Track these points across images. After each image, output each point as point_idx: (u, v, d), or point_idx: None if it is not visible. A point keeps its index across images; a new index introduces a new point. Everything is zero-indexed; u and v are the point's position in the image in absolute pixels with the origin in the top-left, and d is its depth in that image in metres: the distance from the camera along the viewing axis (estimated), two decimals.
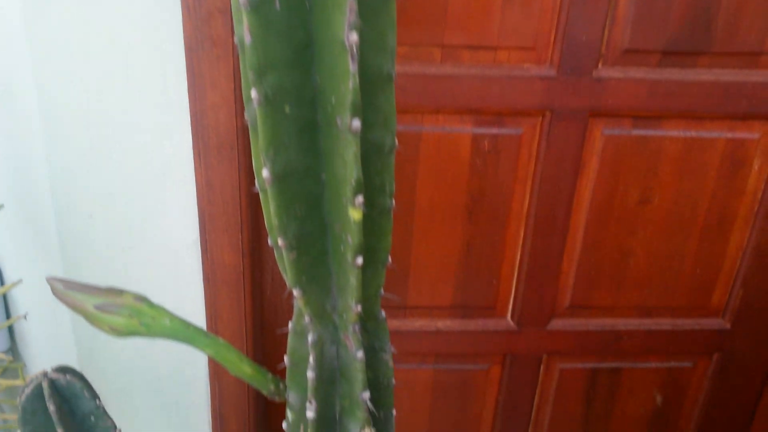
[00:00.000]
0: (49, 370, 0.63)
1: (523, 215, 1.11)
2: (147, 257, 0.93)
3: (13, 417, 0.83)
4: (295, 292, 0.39)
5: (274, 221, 0.36)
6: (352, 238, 0.37)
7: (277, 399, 0.47)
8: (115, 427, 0.66)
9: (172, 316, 0.44)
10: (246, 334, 0.99)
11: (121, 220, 0.91)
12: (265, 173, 0.35)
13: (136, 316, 0.43)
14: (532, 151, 1.06)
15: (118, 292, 0.44)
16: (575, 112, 1.03)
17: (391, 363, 0.47)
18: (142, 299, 0.45)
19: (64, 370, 0.64)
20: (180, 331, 0.44)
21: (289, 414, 0.49)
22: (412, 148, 1.05)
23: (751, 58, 1.02)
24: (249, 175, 0.90)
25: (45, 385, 0.61)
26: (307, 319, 0.41)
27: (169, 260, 0.94)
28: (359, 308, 0.40)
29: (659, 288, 1.19)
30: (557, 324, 1.21)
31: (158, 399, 1.04)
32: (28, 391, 0.61)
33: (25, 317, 0.90)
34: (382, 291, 0.43)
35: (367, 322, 0.44)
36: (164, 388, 1.03)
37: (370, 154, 0.38)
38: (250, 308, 0.98)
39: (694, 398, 1.31)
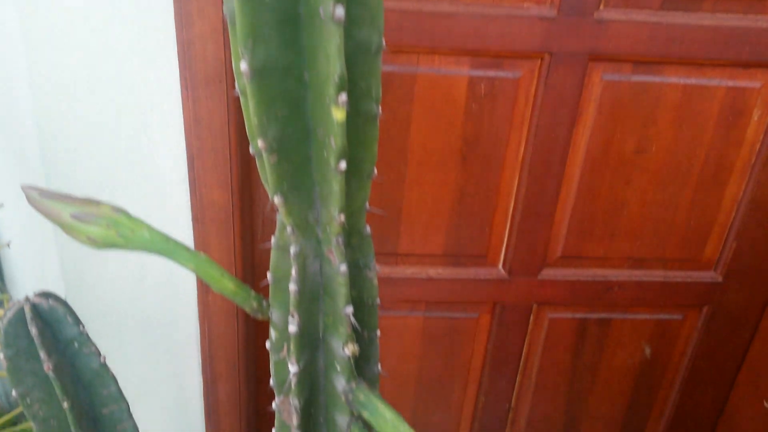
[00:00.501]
0: (31, 294, 0.62)
1: (517, 162, 1.10)
2: (134, 195, 0.91)
3: None
4: (276, 200, 0.38)
5: (254, 120, 0.35)
6: (335, 141, 0.35)
7: (260, 317, 0.47)
8: (99, 353, 0.66)
9: (152, 229, 0.43)
10: (236, 273, 0.98)
11: (107, 155, 0.89)
12: (243, 66, 0.33)
13: (113, 226, 0.42)
14: (530, 95, 1.04)
15: (96, 203, 0.43)
16: (575, 55, 1.00)
17: (375, 281, 0.46)
18: (121, 211, 0.43)
19: (46, 295, 0.63)
20: (159, 244, 0.43)
21: (272, 333, 0.48)
22: (406, 90, 1.03)
23: (756, 2, 0.99)
24: (238, 111, 0.88)
25: (27, 309, 0.61)
26: (289, 230, 0.40)
27: (157, 199, 0.93)
28: (342, 218, 0.39)
29: (652, 239, 1.18)
30: (548, 273, 1.21)
31: (147, 338, 1.04)
32: (9, 314, 0.61)
33: (8, 245, 0.89)
34: (367, 205, 0.42)
35: (352, 238, 0.43)
36: (153, 327, 1.03)
37: (356, 54, 0.37)
38: (240, 248, 0.97)
39: (683, 350, 1.32)
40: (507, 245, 1.18)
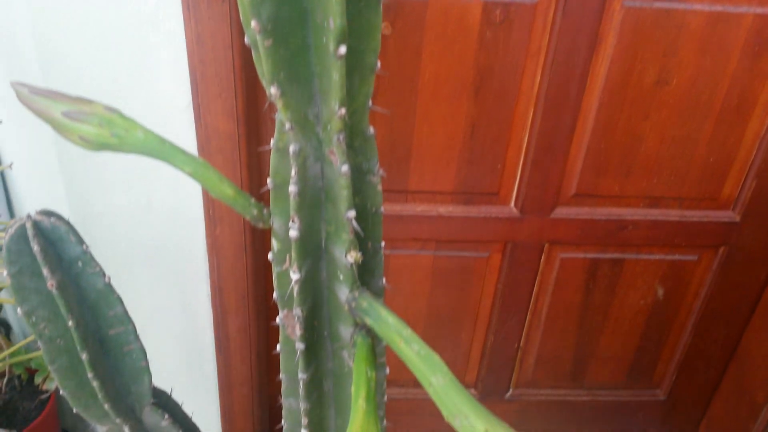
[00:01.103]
0: (32, 212, 0.61)
1: (533, 94, 1.06)
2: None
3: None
4: (273, 91, 0.36)
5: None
6: (333, 21, 0.33)
7: (261, 225, 0.45)
8: (104, 273, 0.65)
9: (146, 130, 0.42)
10: None
11: (109, 77, 0.87)
12: None
13: (107, 126, 0.41)
14: (547, 22, 1.00)
15: (88, 101, 0.41)
16: None
17: (379, 187, 0.44)
18: (114, 110, 0.42)
19: (48, 213, 0.62)
20: (154, 145, 0.42)
21: (274, 243, 0.47)
22: (417, 16, 0.98)
23: None
24: (241, 32, 0.85)
25: (29, 225, 0.60)
26: (287, 126, 0.38)
27: (162, 127, 0.91)
28: (343, 112, 0.37)
29: (669, 176, 1.15)
30: (561, 212, 1.19)
31: (156, 270, 1.04)
32: (11, 231, 0.60)
33: (10, 166, 0.88)
34: (370, 103, 0.40)
35: (354, 139, 0.41)
36: (162, 258, 1.03)
37: None
38: (247, 178, 0.95)
39: (696, 292, 1.31)
40: (519, 182, 1.15)
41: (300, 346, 0.49)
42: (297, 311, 0.47)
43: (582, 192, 1.17)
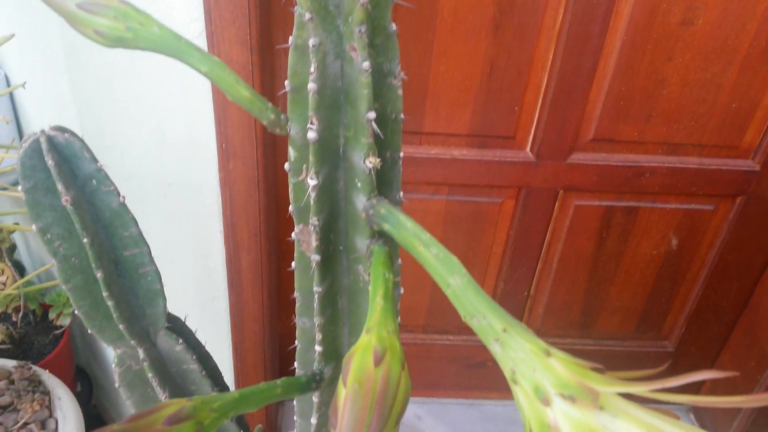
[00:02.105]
0: (46, 128, 0.61)
1: (554, 33, 1.03)
2: (149, 53, 0.88)
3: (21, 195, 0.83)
4: None
5: None
6: None
7: (278, 131, 0.44)
8: (119, 193, 0.65)
9: (162, 25, 0.40)
10: (256, 140, 0.96)
11: None
12: None
13: (122, 18, 0.39)
14: None
15: None
16: None
17: (400, 92, 0.43)
18: (128, 3, 0.40)
19: (62, 129, 0.62)
20: (170, 41, 0.40)
21: (291, 152, 0.46)
22: None
23: None
24: None
25: (42, 140, 0.59)
26: (307, 16, 0.37)
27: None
28: (365, 1, 0.35)
29: (690, 122, 1.13)
30: (578, 157, 1.17)
31: (170, 207, 1.04)
32: (25, 146, 0.59)
33: (23, 85, 0.87)
34: None
35: (376, 36, 0.40)
36: (176, 195, 1.03)
37: None
38: None
39: (711, 242, 1.29)
40: (537, 126, 1.13)
41: (315, 257, 0.49)
42: (313, 220, 0.46)
43: (600, 137, 1.14)
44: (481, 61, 1.06)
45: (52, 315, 1.31)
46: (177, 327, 0.79)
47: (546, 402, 0.34)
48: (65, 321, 1.30)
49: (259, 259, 1.09)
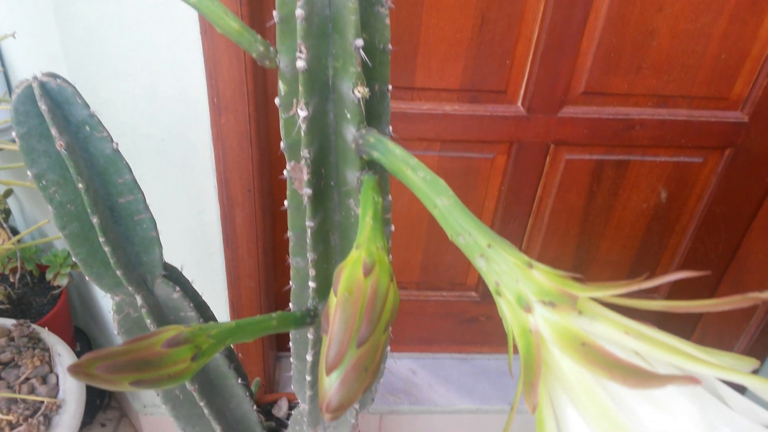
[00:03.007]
0: (38, 73, 0.61)
1: None
2: None
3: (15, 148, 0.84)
4: None
5: None
6: None
7: (267, 64, 0.45)
8: (112, 139, 0.66)
9: None
10: (248, 94, 0.96)
11: None
12: None
13: None
14: None
15: None
16: None
17: (387, 21, 0.44)
18: None
19: (54, 75, 0.62)
20: None
21: (281, 86, 0.47)
22: None
23: None
24: None
25: (35, 85, 0.60)
26: None
27: (163, 5, 0.89)
28: None
29: (679, 74, 1.13)
30: (569, 111, 1.18)
31: (163, 163, 1.05)
32: (18, 92, 0.60)
33: (13, 35, 0.87)
34: None
35: None
36: (168, 152, 1.03)
37: None
38: (251, 60, 0.94)
39: (699, 195, 1.31)
40: (528, 79, 1.14)
41: (307, 191, 0.50)
42: (304, 153, 0.47)
43: (591, 90, 1.15)
44: (472, 14, 1.06)
45: (49, 275, 1.32)
46: (174, 275, 0.81)
47: (528, 309, 0.36)
48: (62, 281, 1.32)
49: (253, 214, 1.10)
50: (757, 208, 1.31)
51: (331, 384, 0.31)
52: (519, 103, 1.17)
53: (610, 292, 0.35)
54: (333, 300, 0.34)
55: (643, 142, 1.21)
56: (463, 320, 1.54)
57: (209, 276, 1.20)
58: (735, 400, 0.34)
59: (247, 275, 1.18)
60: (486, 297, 1.49)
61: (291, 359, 0.75)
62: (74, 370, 0.38)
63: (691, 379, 0.27)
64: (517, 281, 0.37)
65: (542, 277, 0.37)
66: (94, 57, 0.92)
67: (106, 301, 1.32)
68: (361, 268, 0.35)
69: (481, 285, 1.47)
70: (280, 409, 1.21)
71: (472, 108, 1.17)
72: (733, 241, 1.36)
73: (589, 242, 1.39)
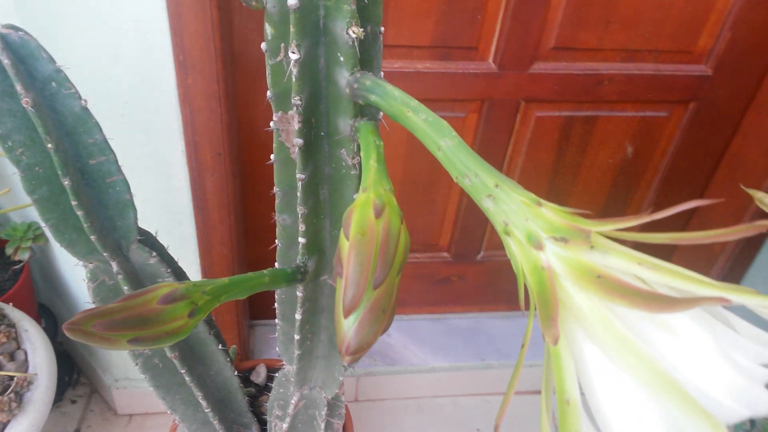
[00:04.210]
0: None
1: None
2: None
3: None
4: None
5: None
6: None
7: (253, 5, 0.43)
8: (80, 96, 0.62)
9: None
10: (215, 52, 0.92)
11: None
12: None
13: None
14: None
15: None
16: None
17: None
18: None
19: (14, 27, 0.58)
20: None
21: (267, 29, 0.45)
22: None
23: None
24: None
25: None
26: None
27: None
28: None
29: (646, 28, 1.14)
30: (539, 67, 1.18)
31: (127, 127, 1.00)
32: None
33: None
34: None
35: None
36: (133, 115, 0.99)
37: None
38: (218, 16, 0.90)
39: (664, 149, 1.34)
40: (499, 35, 1.13)
41: (298, 141, 0.48)
42: (295, 100, 0.45)
43: (561, 45, 1.15)
44: None
45: (9, 250, 1.27)
46: (149, 241, 0.78)
47: (539, 246, 0.35)
48: (24, 255, 1.27)
49: (224, 179, 1.07)
50: (717, 162, 1.35)
51: (349, 327, 0.31)
52: (490, 60, 1.17)
53: (620, 225, 0.35)
54: (345, 243, 0.33)
55: (611, 97, 1.23)
56: (436, 281, 1.55)
57: (180, 244, 1.17)
58: (742, 326, 0.34)
59: (219, 242, 1.15)
60: (458, 257, 1.50)
61: (276, 321, 0.74)
62: (70, 328, 0.36)
63: (720, 299, 0.27)
64: (526, 219, 0.36)
65: (552, 214, 0.36)
66: (50, 13, 0.87)
67: (72, 276, 1.27)
68: (371, 209, 0.34)
69: (453, 246, 1.48)
70: (259, 376, 1.20)
71: (444, 65, 1.16)
72: (695, 195, 1.40)
73: (558, 200, 1.41)
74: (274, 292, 1.50)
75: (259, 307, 1.51)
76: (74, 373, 1.45)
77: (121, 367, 1.35)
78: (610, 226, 0.35)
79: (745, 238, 1.27)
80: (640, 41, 1.16)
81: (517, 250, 0.37)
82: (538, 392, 1.60)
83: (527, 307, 0.39)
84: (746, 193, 1.23)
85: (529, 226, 0.36)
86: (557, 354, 0.34)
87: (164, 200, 1.10)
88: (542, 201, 0.38)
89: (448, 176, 1.27)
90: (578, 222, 0.36)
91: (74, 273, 1.27)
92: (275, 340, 1.55)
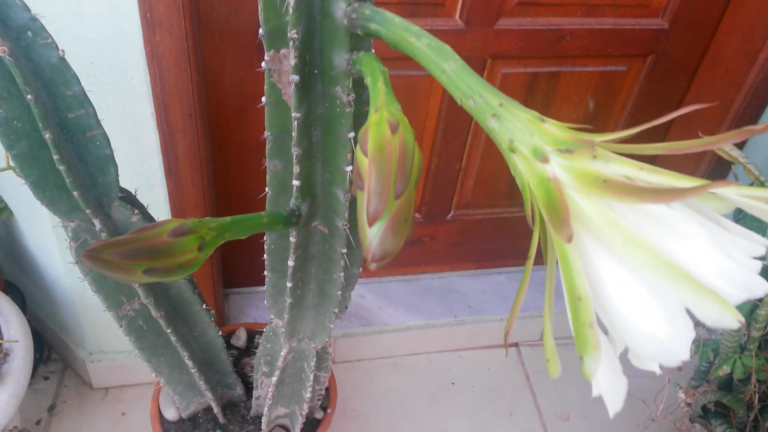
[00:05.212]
0: None
1: None
2: None
3: None
4: None
5: None
6: None
7: None
8: (57, 46, 0.61)
9: None
10: (183, 7, 0.90)
11: None
12: None
13: None
14: None
15: None
16: None
17: None
18: None
19: None
20: None
21: None
22: None
23: None
24: None
25: None
26: None
27: None
28: None
29: None
30: (505, 23, 1.20)
31: (93, 89, 0.97)
32: None
33: None
34: None
35: None
36: (99, 76, 0.96)
37: None
38: None
39: (624, 103, 1.39)
40: None
41: (294, 78, 0.48)
42: (292, 34, 0.46)
43: (525, 1, 1.17)
44: None
45: None
46: (129, 199, 0.77)
47: (544, 159, 0.37)
48: None
49: (195, 141, 1.06)
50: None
51: (375, 235, 0.32)
52: (457, 16, 1.18)
53: (619, 135, 0.37)
54: (363, 159, 0.34)
55: (573, 52, 1.26)
56: (407, 242, 1.57)
57: (152, 210, 1.14)
58: (733, 227, 0.37)
59: (193, 207, 1.14)
60: (429, 217, 1.52)
61: (265, 273, 0.75)
62: (89, 255, 0.36)
63: (726, 183, 0.30)
64: (531, 135, 0.38)
65: (555, 129, 0.38)
66: None
67: (38, 251, 1.24)
68: (386, 126, 0.35)
69: (423, 206, 1.50)
70: (239, 339, 1.20)
71: (412, 22, 1.16)
72: None
73: None
74: (245, 256, 1.50)
75: (232, 276, 1.51)
76: (45, 350, 1.42)
77: (95, 340, 1.33)
78: (612, 136, 0.37)
79: (715, 167, 1.33)
80: None
81: (522, 166, 0.39)
82: (511, 345, 1.65)
83: (533, 222, 0.41)
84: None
85: (534, 141, 0.38)
86: (566, 257, 0.36)
87: (133, 165, 1.08)
88: (545, 118, 0.40)
89: (417, 136, 1.30)
90: (581, 135, 0.38)
91: (40, 248, 1.23)
92: (250, 307, 1.56)
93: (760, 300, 0.98)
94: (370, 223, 0.32)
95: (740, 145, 1.34)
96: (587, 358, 0.32)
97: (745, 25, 1.21)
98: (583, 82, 1.33)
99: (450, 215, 1.54)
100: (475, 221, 1.57)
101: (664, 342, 0.32)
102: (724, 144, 0.38)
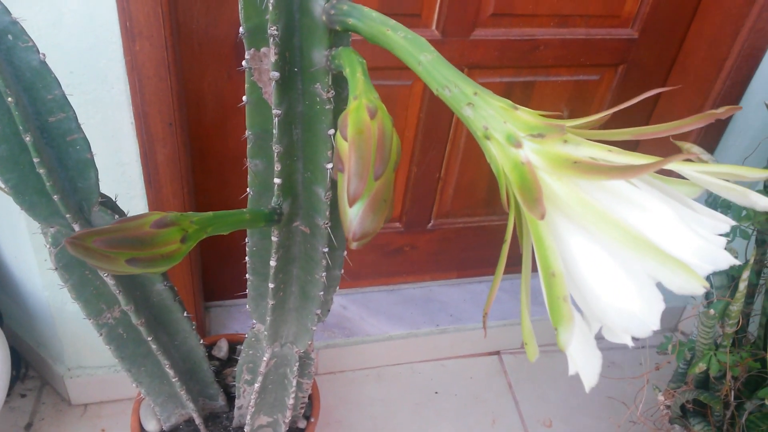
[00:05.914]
0: None
1: None
2: None
3: None
4: None
5: None
6: None
7: None
8: (38, 50, 0.61)
9: None
10: (163, 16, 0.91)
11: None
12: None
13: None
14: None
15: None
16: None
17: None
18: None
19: None
20: None
21: None
22: None
23: None
24: None
25: None
26: None
27: None
28: None
29: None
30: (480, 33, 1.22)
31: (72, 98, 0.97)
32: None
33: None
34: None
35: None
36: (78, 86, 0.96)
37: None
38: None
39: (597, 111, 1.41)
40: (441, 1, 1.16)
41: (275, 75, 0.50)
42: (272, 30, 0.47)
43: (499, 11, 1.20)
44: None
45: None
46: (109, 204, 0.77)
47: (518, 145, 0.39)
48: None
49: (176, 151, 1.06)
50: (646, 121, 1.44)
51: (355, 214, 0.33)
52: (433, 27, 1.20)
53: (590, 119, 0.39)
54: (343, 143, 0.35)
55: (547, 62, 1.29)
56: (388, 252, 1.59)
57: None
58: (701, 208, 0.39)
59: None
60: (410, 227, 1.53)
61: (247, 276, 0.75)
62: (72, 242, 0.36)
63: (680, 156, 0.31)
64: (504, 122, 0.40)
65: (527, 116, 0.40)
66: None
67: (16, 264, 1.22)
68: (365, 112, 0.36)
69: (404, 216, 1.51)
70: (221, 350, 1.20)
71: None
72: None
73: None
74: (226, 268, 1.49)
75: (212, 289, 1.50)
76: (22, 367, 1.40)
77: (74, 355, 1.31)
78: (581, 121, 0.39)
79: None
80: (571, 6, 1.22)
81: (497, 152, 0.40)
82: (493, 353, 1.66)
83: (509, 206, 0.42)
84: (675, 147, 1.32)
85: (507, 127, 0.39)
86: (540, 237, 0.37)
87: (113, 175, 1.07)
88: (518, 106, 0.41)
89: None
90: (552, 121, 0.39)
91: (18, 262, 1.22)
92: (231, 320, 1.55)
93: (733, 284, 1.00)
94: (351, 203, 0.33)
95: (711, 150, 1.38)
96: (561, 330, 0.33)
97: (712, 33, 1.26)
98: (557, 91, 1.36)
99: (430, 224, 1.56)
100: (455, 230, 1.59)
101: (635, 313, 0.33)
102: (685, 128, 0.40)
